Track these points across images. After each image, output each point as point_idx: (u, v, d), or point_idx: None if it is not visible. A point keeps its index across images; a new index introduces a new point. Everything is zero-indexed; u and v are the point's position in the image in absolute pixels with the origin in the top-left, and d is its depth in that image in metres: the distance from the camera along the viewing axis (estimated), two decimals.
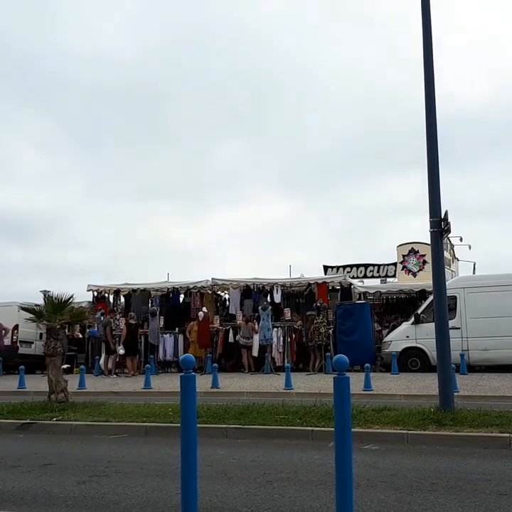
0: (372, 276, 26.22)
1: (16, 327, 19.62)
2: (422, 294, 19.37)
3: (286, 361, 17.13)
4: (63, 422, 9.04)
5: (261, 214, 50.21)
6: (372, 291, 20.87)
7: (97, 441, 8.15)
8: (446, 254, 20.13)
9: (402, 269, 25.66)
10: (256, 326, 18.01)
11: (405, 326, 17.69)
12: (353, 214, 49.53)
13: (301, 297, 20.19)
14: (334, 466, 3.77)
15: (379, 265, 26.51)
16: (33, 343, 20.23)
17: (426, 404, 9.30)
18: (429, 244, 9.75)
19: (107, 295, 21.42)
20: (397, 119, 47.22)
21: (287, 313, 18.83)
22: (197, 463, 4.08)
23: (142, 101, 47.95)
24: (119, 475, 6.02)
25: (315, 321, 17.66)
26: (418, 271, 24.92)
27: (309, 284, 19.71)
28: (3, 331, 19.31)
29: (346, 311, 18.37)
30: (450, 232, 9.31)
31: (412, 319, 17.35)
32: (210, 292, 20.49)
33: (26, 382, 14.75)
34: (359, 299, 19.82)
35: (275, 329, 18.10)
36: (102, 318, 19.36)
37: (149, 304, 20.34)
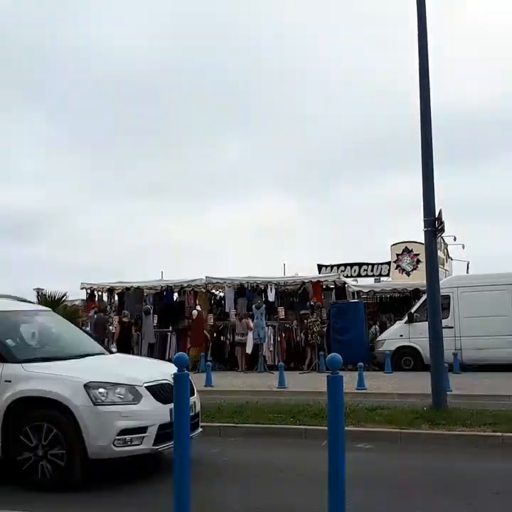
0: (367, 275, 26.29)
1: None
2: (416, 293, 19.41)
3: (277, 360, 17.17)
4: None
5: (257, 213, 50.20)
6: (366, 290, 20.90)
7: None
8: (439, 253, 20.22)
9: (396, 268, 25.74)
10: (251, 322, 18.00)
11: (399, 324, 17.72)
12: (346, 213, 49.56)
13: (295, 296, 20.19)
14: (327, 465, 3.77)
15: (373, 264, 26.58)
16: None
17: (419, 403, 9.33)
18: (422, 244, 9.77)
19: (100, 293, 21.36)
20: (397, 119, 47.25)
21: (281, 311, 18.82)
22: (189, 462, 4.07)
23: (142, 100, 47.79)
24: (113, 474, 6.00)
25: (308, 320, 17.67)
26: (412, 270, 25.01)
27: (303, 283, 19.72)
28: None
29: (340, 309, 18.37)
30: (444, 231, 9.33)
31: (406, 318, 17.38)
32: (204, 291, 20.47)
33: None
34: (353, 297, 19.85)
35: (269, 328, 18.10)
36: (95, 316, 19.29)
37: (143, 303, 20.30)
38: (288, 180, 50.68)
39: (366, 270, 26.47)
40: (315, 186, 52.91)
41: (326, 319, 18.37)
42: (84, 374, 5.58)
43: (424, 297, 15.49)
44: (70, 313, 13.53)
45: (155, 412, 5.53)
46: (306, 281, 19.68)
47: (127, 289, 20.65)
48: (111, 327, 19.15)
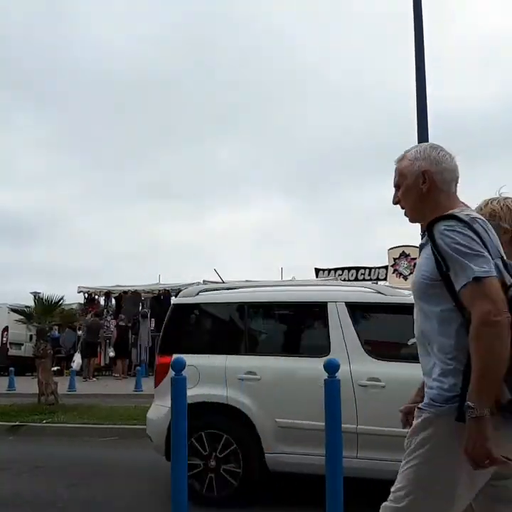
0: (364, 279, 26.25)
1: (6, 329, 19.50)
2: None
3: None
4: (53, 425, 8.98)
5: (256, 216, 50.28)
6: None
7: (86, 443, 8.10)
8: None
9: (393, 272, 25.74)
10: None
11: None
12: (344, 217, 49.64)
13: None
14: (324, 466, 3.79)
15: (370, 268, 26.56)
16: (22, 344, 20.12)
17: None
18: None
19: (97, 297, 21.33)
20: (396, 121, 47.40)
21: None
22: (187, 465, 4.07)
23: (142, 101, 47.94)
24: (109, 477, 6.00)
25: None
26: (409, 274, 24.96)
27: None
28: None
29: None
30: None
31: None
32: None
33: (16, 384, 14.65)
34: None
35: None
36: (90, 320, 19.23)
37: (140, 306, 20.28)
38: (287, 183, 50.78)
39: (363, 274, 26.45)
40: (312, 189, 52.98)
41: None
42: None
43: None
44: (67, 317, 13.46)
45: None
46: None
47: (125, 292, 20.62)
48: (103, 331, 19.11)
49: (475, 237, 1.95)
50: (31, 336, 17.77)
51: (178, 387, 4.12)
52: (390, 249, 26.00)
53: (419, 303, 2.12)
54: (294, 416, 4.71)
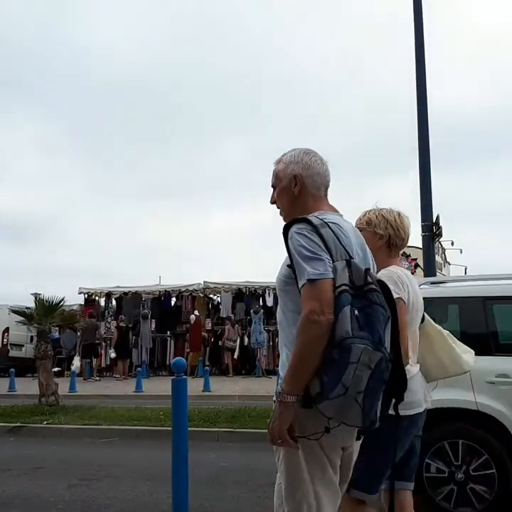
0: None
1: (7, 330, 19.50)
2: None
3: (271, 364, 17.30)
4: (53, 426, 8.98)
5: (256, 216, 50.28)
6: None
7: (87, 444, 8.11)
8: (437, 258, 20.19)
9: None
10: (239, 330, 18.28)
11: None
12: (345, 217, 49.51)
13: None
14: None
15: None
16: (23, 346, 20.12)
17: None
18: (420, 248, 9.79)
19: (97, 298, 21.35)
20: (396, 122, 47.40)
21: None
22: (188, 467, 4.07)
23: (142, 101, 47.95)
24: (109, 478, 5.99)
25: None
26: None
27: None
28: None
29: None
30: (441, 236, 9.37)
31: None
32: (201, 295, 20.46)
33: (16, 385, 14.66)
34: None
35: (265, 332, 18.15)
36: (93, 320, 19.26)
37: (141, 307, 20.29)
38: None
39: None
40: None
41: None
42: None
43: None
44: (68, 318, 13.45)
45: None
46: None
47: (125, 293, 20.64)
48: (99, 331, 19.12)
49: (319, 240, 2.09)
50: (32, 337, 17.78)
51: (179, 388, 4.13)
52: None
53: (279, 297, 2.29)
54: None
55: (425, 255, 9.24)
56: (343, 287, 2.02)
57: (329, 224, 2.17)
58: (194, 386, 12.01)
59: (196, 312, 19.09)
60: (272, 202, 2.46)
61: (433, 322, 3.17)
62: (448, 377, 3.26)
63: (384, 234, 2.92)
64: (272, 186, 2.45)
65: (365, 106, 47.97)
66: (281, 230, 2.20)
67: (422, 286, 4.37)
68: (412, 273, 25.19)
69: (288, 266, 2.16)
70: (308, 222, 2.14)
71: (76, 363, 17.63)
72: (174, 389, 4.13)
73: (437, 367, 3.09)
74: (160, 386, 14.59)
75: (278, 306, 2.31)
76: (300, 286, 2.07)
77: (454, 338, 3.18)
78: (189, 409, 4.46)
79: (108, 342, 18.78)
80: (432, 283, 5.33)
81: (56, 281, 38.94)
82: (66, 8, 45.49)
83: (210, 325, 19.48)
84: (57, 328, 18.73)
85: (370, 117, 47.59)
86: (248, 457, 6.98)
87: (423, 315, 3.04)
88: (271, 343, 18.20)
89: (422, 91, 9.21)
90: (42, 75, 47.51)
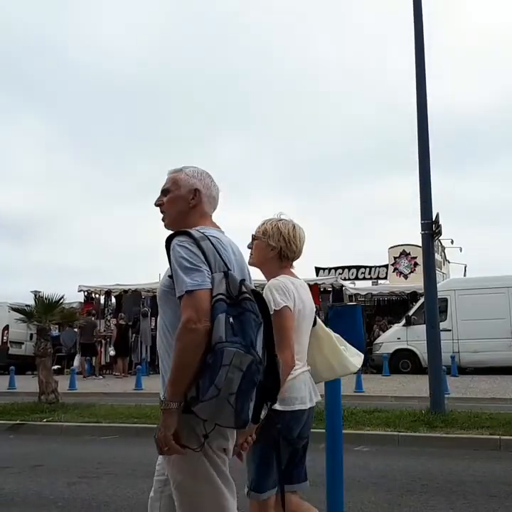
0: (364, 278, 26.28)
1: (7, 327, 19.51)
2: (413, 296, 19.44)
3: None
4: (53, 423, 9.00)
5: (255, 215, 50.26)
6: (363, 293, 20.94)
7: (87, 442, 8.12)
8: (437, 256, 20.20)
9: (394, 271, 25.73)
10: None
11: (397, 327, 17.74)
12: (344, 216, 49.67)
13: None
14: (325, 468, 3.78)
15: (370, 267, 26.56)
16: (23, 343, 20.13)
17: (417, 405, 9.33)
18: (420, 247, 9.78)
19: (97, 296, 21.36)
20: (397, 121, 47.38)
21: None
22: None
23: (142, 100, 47.93)
24: (109, 476, 6.00)
25: None
26: (409, 273, 24.99)
27: None
28: None
29: (337, 312, 18.28)
30: (441, 234, 9.35)
31: (404, 321, 17.40)
32: None
33: (16, 383, 14.67)
34: (350, 300, 19.86)
35: None
36: (92, 319, 19.27)
37: (141, 305, 20.30)
38: (286, 182, 50.79)
39: (364, 273, 26.45)
40: (312, 189, 53.01)
41: (324, 322, 18.40)
42: None
43: (421, 300, 15.53)
44: (68, 316, 13.45)
45: None
46: None
47: (125, 291, 20.65)
48: (98, 329, 19.10)
49: (199, 253, 2.18)
50: (32, 334, 17.80)
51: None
52: (391, 248, 25.99)
53: (159, 307, 2.36)
54: None
55: (425, 253, 9.23)
56: (220, 296, 2.12)
57: (210, 237, 2.27)
58: None
59: None
60: (157, 204, 2.53)
61: (324, 326, 3.33)
62: (336, 378, 3.48)
63: (276, 246, 3.02)
64: (164, 190, 2.51)
65: (365, 106, 47.95)
66: (164, 242, 2.28)
67: None
68: (412, 271, 25.27)
69: (169, 276, 2.24)
70: (189, 235, 2.23)
71: (76, 362, 17.69)
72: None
73: (326, 368, 3.23)
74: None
75: (158, 315, 2.38)
76: (178, 296, 2.14)
77: (344, 341, 3.35)
78: None
79: (107, 340, 18.77)
80: None
81: (56, 280, 38.99)
82: (66, 8, 45.44)
83: None
84: (56, 326, 18.72)
85: (370, 117, 47.56)
86: None
87: (315, 319, 3.20)
88: None
89: (421, 91, 9.19)
90: (42, 75, 47.49)
